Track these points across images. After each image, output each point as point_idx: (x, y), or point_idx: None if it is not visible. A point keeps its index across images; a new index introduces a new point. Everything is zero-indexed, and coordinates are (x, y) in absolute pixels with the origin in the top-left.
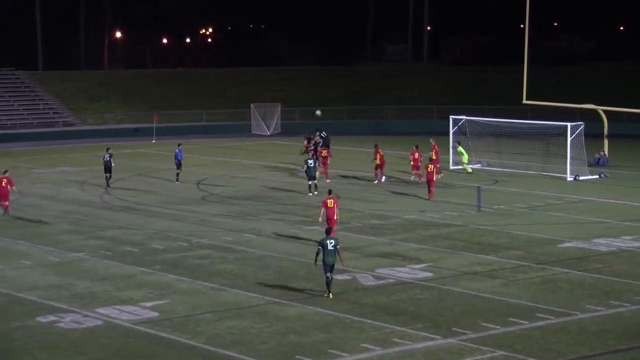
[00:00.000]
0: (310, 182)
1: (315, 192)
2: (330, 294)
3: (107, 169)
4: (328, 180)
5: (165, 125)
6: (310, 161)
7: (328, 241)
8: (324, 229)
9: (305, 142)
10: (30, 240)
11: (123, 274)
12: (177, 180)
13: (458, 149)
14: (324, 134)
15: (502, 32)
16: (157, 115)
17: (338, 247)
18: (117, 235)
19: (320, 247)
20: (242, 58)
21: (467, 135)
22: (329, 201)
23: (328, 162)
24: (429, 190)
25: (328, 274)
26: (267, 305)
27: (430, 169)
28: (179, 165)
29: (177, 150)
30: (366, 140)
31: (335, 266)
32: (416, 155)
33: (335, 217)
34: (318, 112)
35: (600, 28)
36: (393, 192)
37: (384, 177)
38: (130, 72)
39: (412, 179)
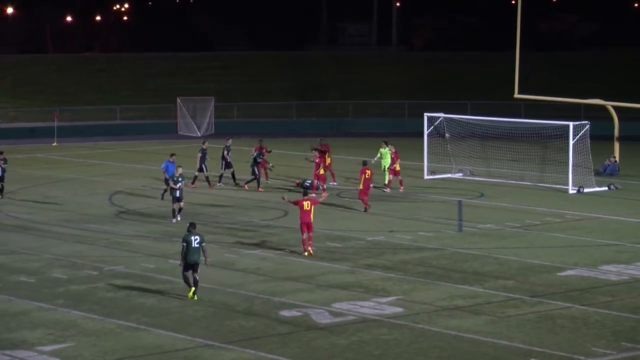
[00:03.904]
0: (175, 205)
1: (179, 219)
2: (195, 296)
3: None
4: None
5: (69, 124)
6: (180, 179)
7: (192, 237)
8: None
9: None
10: None
11: (15, 310)
12: (163, 197)
13: (384, 149)
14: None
15: (488, 10)
16: (58, 112)
17: (203, 244)
18: (8, 262)
19: (184, 244)
20: (166, 41)
21: (446, 138)
22: (304, 203)
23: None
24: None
25: (187, 273)
26: (196, 349)
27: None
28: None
29: (167, 163)
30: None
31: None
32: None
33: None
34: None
35: (606, 6)
36: (354, 208)
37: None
38: (24, 58)
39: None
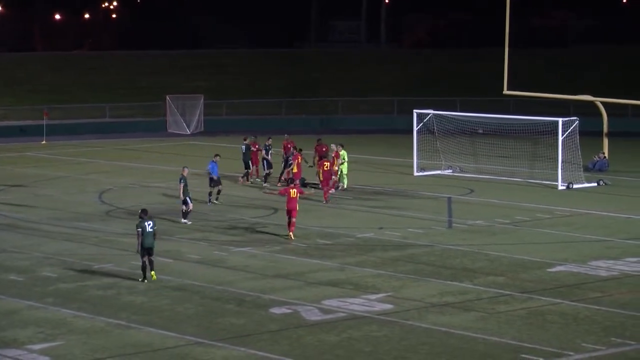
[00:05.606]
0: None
1: (189, 222)
2: (149, 277)
3: None
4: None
5: (59, 122)
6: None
7: (146, 223)
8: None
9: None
10: None
11: (5, 309)
12: (210, 201)
13: (342, 152)
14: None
15: (478, 7)
16: (48, 110)
17: (155, 228)
18: None
19: (139, 230)
20: (156, 39)
21: (435, 134)
22: (291, 191)
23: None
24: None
25: (145, 259)
26: (187, 347)
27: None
28: (216, 182)
29: (212, 163)
30: (310, 139)
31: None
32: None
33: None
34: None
35: (600, 4)
36: (344, 205)
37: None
38: (14, 57)
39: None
